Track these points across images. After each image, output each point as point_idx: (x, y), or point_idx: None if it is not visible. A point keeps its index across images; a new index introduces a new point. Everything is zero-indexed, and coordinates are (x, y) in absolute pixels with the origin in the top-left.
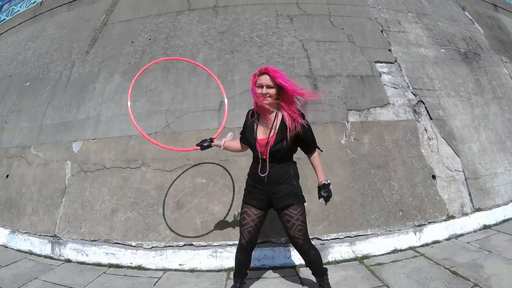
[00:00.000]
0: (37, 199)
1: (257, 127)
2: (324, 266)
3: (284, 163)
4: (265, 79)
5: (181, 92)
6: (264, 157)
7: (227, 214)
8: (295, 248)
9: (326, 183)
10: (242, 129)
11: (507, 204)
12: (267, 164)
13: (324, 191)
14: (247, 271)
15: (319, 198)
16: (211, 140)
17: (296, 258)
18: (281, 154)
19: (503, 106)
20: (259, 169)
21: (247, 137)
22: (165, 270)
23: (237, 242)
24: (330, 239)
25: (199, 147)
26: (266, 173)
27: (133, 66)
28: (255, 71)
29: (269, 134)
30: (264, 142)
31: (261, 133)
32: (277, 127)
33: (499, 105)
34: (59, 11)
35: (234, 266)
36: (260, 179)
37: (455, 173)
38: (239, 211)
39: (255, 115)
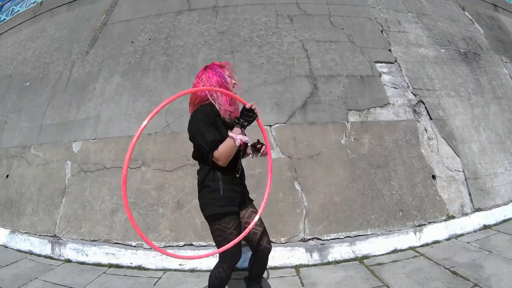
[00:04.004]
0: (37, 199)
1: (227, 125)
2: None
3: None
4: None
5: None
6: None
7: None
8: (255, 252)
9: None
10: (211, 129)
11: (507, 204)
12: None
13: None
14: None
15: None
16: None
17: (296, 258)
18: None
19: (503, 106)
20: (239, 170)
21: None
22: (165, 270)
23: None
24: (330, 239)
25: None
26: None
27: (133, 66)
28: (210, 64)
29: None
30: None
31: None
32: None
33: (499, 105)
34: (59, 11)
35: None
36: (238, 180)
37: (455, 173)
38: (231, 230)
39: (214, 112)
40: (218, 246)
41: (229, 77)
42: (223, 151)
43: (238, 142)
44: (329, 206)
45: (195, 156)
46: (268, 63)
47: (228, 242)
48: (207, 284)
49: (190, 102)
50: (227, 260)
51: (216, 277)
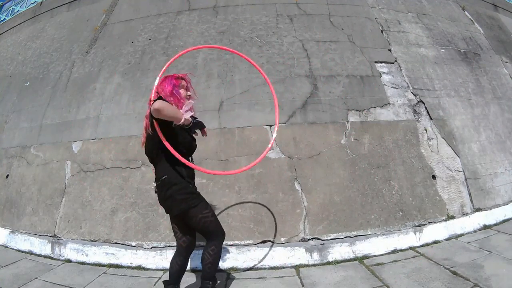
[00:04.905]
0: (37, 199)
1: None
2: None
3: None
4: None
5: None
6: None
7: (227, 214)
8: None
9: None
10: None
11: (507, 204)
12: None
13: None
14: None
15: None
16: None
17: (296, 258)
18: None
19: (503, 106)
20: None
21: (186, 136)
22: (165, 270)
23: (237, 242)
24: (330, 239)
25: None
26: None
27: (133, 66)
28: (177, 74)
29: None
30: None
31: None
32: None
33: (499, 105)
34: (59, 11)
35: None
36: (194, 175)
37: (455, 173)
38: (211, 212)
39: None
40: (207, 229)
41: (184, 88)
42: (168, 105)
43: (180, 114)
44: (329, 206)
45: (150, 151)
46: (268, 63)
47: (216, 223)
48: None
49: (152, 98)
50: (217, 238)
51: (210, 255)
